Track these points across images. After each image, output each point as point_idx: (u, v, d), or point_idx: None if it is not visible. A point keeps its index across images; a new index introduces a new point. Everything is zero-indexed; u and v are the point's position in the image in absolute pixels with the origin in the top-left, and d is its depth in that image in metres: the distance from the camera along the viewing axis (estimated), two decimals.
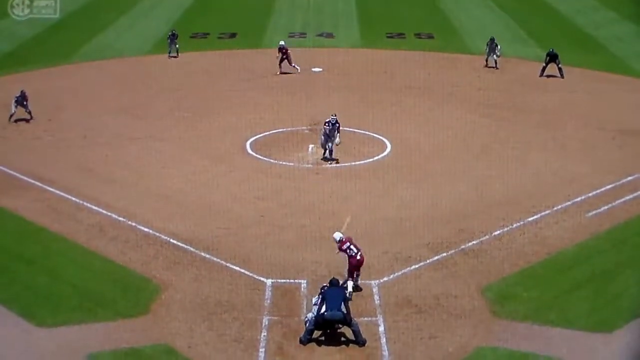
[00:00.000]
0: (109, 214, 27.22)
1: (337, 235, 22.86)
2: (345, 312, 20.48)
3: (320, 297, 20.77)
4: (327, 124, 31.30)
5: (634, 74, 44.08)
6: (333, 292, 20.73)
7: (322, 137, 31.58)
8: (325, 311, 20.46)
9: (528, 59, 46.89)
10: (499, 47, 44.84)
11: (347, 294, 21.69)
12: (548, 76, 43.58)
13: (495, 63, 44.82)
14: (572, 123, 36.82)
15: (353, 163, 31.67)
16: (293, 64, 43.77)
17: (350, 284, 22.48)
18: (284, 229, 26.49)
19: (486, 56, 45.04)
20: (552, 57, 43.59)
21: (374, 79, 43.12)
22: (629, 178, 30.61)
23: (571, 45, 49.83)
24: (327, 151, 31.56)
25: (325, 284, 21.21)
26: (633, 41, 52.20)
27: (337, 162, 31.45)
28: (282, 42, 44.38)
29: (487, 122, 36.83)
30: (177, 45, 47.04)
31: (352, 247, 22.67)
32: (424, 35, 52.55)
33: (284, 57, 43.76)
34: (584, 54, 48.25)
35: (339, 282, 21.45)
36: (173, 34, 47.48)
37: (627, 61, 46.94)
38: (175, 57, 46.85)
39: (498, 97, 40.37)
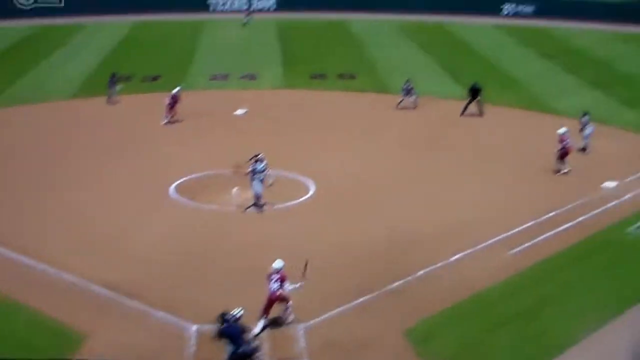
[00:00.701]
0: (30, 261, 26.72)
1: (279, 264, 22.76)
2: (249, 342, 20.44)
3: (224, 338, 20.55)
4: (254, 166, 31.15)
5: (553, 111, 44.85)
6: (231, 328, 20.50)
7: (251, 179, 31.36)
8: (235, 349, 20.27)
9: (447, 97, 47.48)
10: (413, 87, 45.27)
11: (255, 333, 21.63)
12: (468, 115, 44.14)
13: (414, 103, 45.23)
14: (493, 160, 37.32)
15: (279, 205, 31.62)
16: (170, 115, 42.63)
17: (260, 324, 22.37)
18: (209, 273, 26.28)
19: (402, 96, 45.39)
20: (475, 92, 44.16)
21: (298, 120, 43.35)
22: (551, 214, 31.07)
23: (491, 83, 50.55)
24: (256, 194, 31.32)
25: (220, 325, 20.74)
26: (552, 78, 53.26)
27: (264, 205, 31.33)
28: (176, 89, 43.17)
29: (410, 161, 37.15)
30: (117, 88, 46.38)
31: (278, 283, 22.51)
32: (347, 75, 52.93)
33: (172, 104, 42.35)
34: (503, 92, 49.02)
35: (226, 315, 20.82)
36: (113, 77, 46.75)
37: (546, 98, 47.80)
38: (114, 101, 46.15)
39: (420, 136, 40.77)
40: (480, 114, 44.20)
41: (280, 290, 22.63)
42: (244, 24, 70.15)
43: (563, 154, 35.73)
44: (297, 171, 34.97)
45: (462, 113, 44.21)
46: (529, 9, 74.71)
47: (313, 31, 68.39)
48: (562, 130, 36.03)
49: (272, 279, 22.66)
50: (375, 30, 68.51)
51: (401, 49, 61.60)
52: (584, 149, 38.48)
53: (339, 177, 34.74)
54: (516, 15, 74.47)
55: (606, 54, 60.45)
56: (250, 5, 74.42)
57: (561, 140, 35.70)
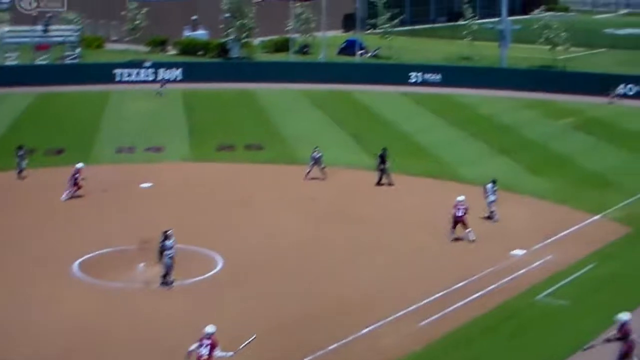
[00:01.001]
0: None
1: (211, 328, 22.75)
2: None
3: None
4: (163, 242, 30.90)
5: (462, 179, 45.63)
6: None
7: (160, 256, 31.06)
8: None
9: (356, 167, 48.03)
10: (322, 157, 45.70)
11: None
12: (379, 184, 44.69)
13: (322, 172, 45.62)
14: (403, 229, 37.77)
15: (185, 281, 31.44)
16: (73, 190, 42.11)
17: None
18: (113, 351, 25.94)
19: (310, 166, 45.73)
20: (383, 159, 44.85)
21: (205, 193, 43.33)
22: (461, 283, 31.51)
23: (400, 152, 51.34)
24: (165, 270, 31.02)
25: None
26: (460, 146, 54.29)
27: (173, 281, 31.07)
28: (79, 164, 42.66)
29: (319, 232, 37.37)
30: (26, 162, 45.72)
31: (208, 349, 22.40)
32: (254, 146, 53.18)
33: (75, 179, 41.94)
34: (412, 160, 49.77)
35: None
36: (20, 150, 45.97)
37: (455, 166, 48.66)
38: (23, 176, 45.47)
39: (328, 207, 41.09)
40: (386, 183, 44.80)
41: (209, 357, 22.41)
42: (158, 94, 70.09)
43: (455, 222, 36.38)
44: (204, 245, 34.88)
45: (378, 183, 44.77)
46: (436, 77, 76.28)
47: (220, 102, 68.70)
48: (459, 197, 36.77)
49: (202, 344, 22.50)
50: (282, 100, 69.14)
51: (309, 119, 62.24)
52: (489, 217, 39.21)
53: (247, 251, 34.76)
54: (424, 83, 75.91)
55: (513, 121, 61.95)
56: (163, 77, 74.11)
57: (455, 207, 36.38)
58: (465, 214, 36.21)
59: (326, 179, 45.55)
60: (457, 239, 36.23)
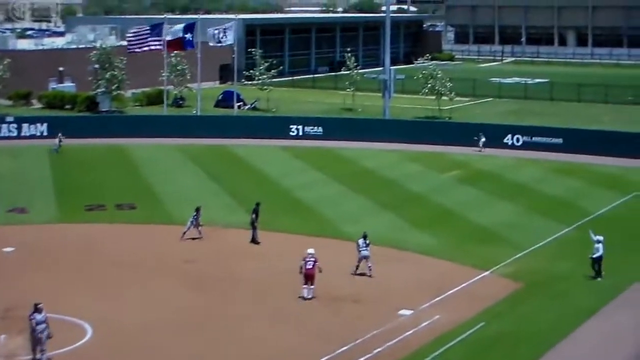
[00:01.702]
0: None
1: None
2: None
3: None
4: (34, 316, 29.90)
5: (343, 237, 45.85)
6: None
7: (32, 333, 30.09)
8: None
9: (234, 226, 47.87)
10: (200, 216, 45.51)
11: None
12: (254, 241, 44.65)
13: (200, 232, 45.37)
14: (285, 292, 37.64)
15: (50, 354, 30.65)
16: None
17: None
18: None
19: (187, 227, 45.39)
20: (257, 214, 45.07)
21: (72, 257, 42.49)
22: (345, 347, 31.52)
23: (280, 210, 51.48)
24: (34, 346, 29.96)
25: None
26: (342, 202, 54.66)
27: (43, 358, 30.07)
28: None
29: (197, 297, 37.00)
30: None
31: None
32: (126, 206, 52.53)
33: None
34: (293, 218, 49.87)
35: None
36: None
37: (337, 224, 48.91)
38: None
39: (207, 269, 40.78)
40: (254, 240, 45.05)
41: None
42: (54, 151, 68.86)
43: (306, 275, 36.69)
44: (71, 313, 34.12)
45: (253, 240, 44.82)
46: (317, 129, 76.90)
47: (89, 158, 67.80)
48: (309, 250, 37.25)
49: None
50: (156, 156, 68.65)
51: (185, 176, 61.87)
52: (363, 274, 39.59)
53: (117, 319, 34.12)
54: (305, 136, 76.44)
55: (397, 174, 62.78)
56: (60, 132, 71.88)
57: (305, 259, 36.80)
58: (314, 267, 36.63)
59: (203, 238, 45.23)
60: (303, 297, 36.47)
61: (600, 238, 40.27)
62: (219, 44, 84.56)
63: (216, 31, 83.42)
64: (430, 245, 45.06)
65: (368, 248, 39.87)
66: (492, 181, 61.35)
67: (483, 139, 72.38)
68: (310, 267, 36.60)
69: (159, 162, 66.46)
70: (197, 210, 45.66)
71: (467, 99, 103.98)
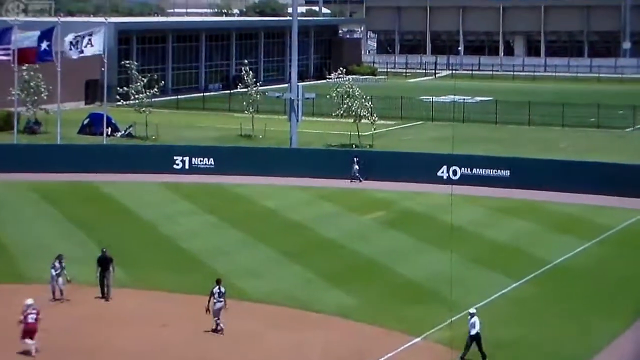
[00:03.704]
0: None
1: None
2: None
3: None
4: None
5: (241, 295, 45.59)
6: None
7: None
8: None
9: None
10: (64, 271, 44.97)
11: None
12: (104, 296, 44.80)
13: (61, 293, 44.79)
14: None
15: None
16: None
17: None
18: None
19: (52, 284, 44.88)
20: (104, 263, 45.07)
21: None
22: None
23: (162, 263, 51.02)
24: None
25: None
26: (237, 252, 54.41)
27: None
28: None
29: None
30: None
31: None
32: None
33: None
34: (176, 273, 49.46)
35: None
36: None
37: (232, 279, 48.59)
38: None
39: (65, 339, 40.21)
40: (106, 296, 45.13)
41: None
42: None
43: (25, 332, 37.34)
44: None
45: (103, 295, 45.12)
46: (207, 162, 76.55)
47: None
48: (28, 301, 37.82)
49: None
50: (2, 196, 67.66)
51: (40, 221, 61.03)
52: (215, 330, 40.57)
53: None
54: (192, 170, 76.06)
55: (307, 217, 62.72)
56: None
57: (24, 313, 37.38)
58: (37, 320, 37.65)
59: (64, 301, 44.65)
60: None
61: (473, 311, 39.22)
62: (82, 54, 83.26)
63: (78, 38, 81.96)
64: (347, 305, 45.03)
65: (223, 297, 40.74)
66: (424, 224, 61.71)
67: (356, 167, 72.98)
68: (33, 321, 37.71)
69: (5, 205, 65.51)
70: (59, 259, 45.07)
71: (392, 122, 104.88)
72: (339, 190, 71.22)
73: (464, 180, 72.64)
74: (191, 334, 40.90)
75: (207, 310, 40.47)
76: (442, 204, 66.46)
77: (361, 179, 73.30)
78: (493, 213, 65.28)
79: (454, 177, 73.30)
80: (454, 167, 73.81)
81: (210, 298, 40.74)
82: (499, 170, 73.11)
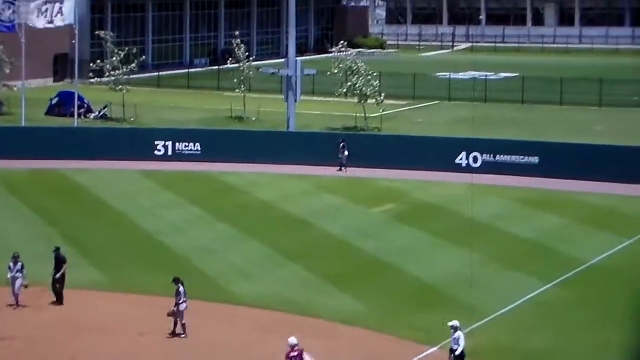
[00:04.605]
0: None
1: (293, 340, 34.08)
2: None
3: None
4: None
5: (232, 300, 45.67)
6: None
7: None
8: None
9: (78, 286, 47.21)
10: (24, 271, 44.94)
11: None
12: (59, 299, 44.87)
13: (16, 299, 44.74)
14: None
15: None
16: None
17: None
18: None
19: (17, 285, 44.97)
20: (57, 264, 45.21)
21: None
22: None
23: (141, 263, 51.05)
24: None
25: None
26: (228, 250, 54.39)
27: None
28: None
29: None
30: None
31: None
32: None
33: None
34: (158, 274, 49.43)
35: None
36: None
37: (222, 282, 48.61)
38: None
39: (24, 349, 40.24)
40: (59, 300, 45.17)
41: None
42: None
43: None
44: None
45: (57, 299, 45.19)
46: (193, 147, 76.62)
47: None
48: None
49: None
50: None
51: (2, 214, 61.07)
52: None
53: None
54: (176, 156, 76.12)
55: (307, 210, 62.94)
56: None
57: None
58: None
59: (25, 306, 44.66)
60: None
61: (455, 323, 38.34)
62: (50, 25, 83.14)
63: (47, 5, 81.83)
64: (352, 310, 45.12)
65: (186, 297, 41.00)
66: (439, 218, 61.72)
67: (346, 153, 72.86)
68: None
69: None
70: (15, 259, 44.96)
71: (403, 102, 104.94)
72: (342, 180, 71.25)
73: (486, 168, 72.85)
74: (172, 344, 40.94)
75: (173, 313, 40.90)
76: (460, 195, 66.83)
77: (345, 168, 73.07)
78: (519, 205, 65.22)
79: (474, 165, 73.50)
80: (474, 153, 73.91)
81: (179, 299, 40.90)
82: (525, 157, 73.10)
